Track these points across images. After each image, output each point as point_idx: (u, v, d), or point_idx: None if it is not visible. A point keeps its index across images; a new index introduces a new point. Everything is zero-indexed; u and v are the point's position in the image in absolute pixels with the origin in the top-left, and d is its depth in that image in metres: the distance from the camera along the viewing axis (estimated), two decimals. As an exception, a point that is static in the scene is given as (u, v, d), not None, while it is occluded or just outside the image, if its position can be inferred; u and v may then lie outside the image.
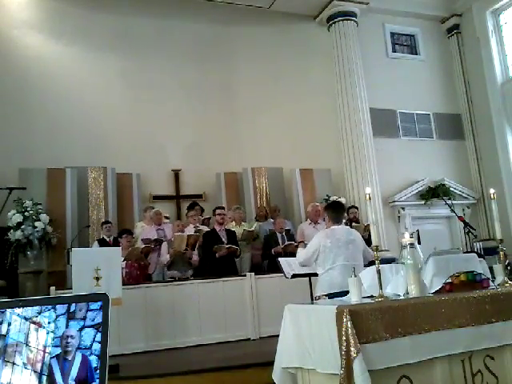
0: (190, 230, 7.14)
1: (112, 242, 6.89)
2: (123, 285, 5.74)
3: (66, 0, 8.93)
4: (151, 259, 6.89)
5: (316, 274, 4.70)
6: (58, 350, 1.51)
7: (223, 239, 6.72)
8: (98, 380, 1.47)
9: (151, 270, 6.91)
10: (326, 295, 4.04)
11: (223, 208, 7.37)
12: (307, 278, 4.90)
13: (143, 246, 6.68)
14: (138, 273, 6.40)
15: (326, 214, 4.54)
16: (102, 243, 6.87)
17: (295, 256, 6.14)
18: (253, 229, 7.57)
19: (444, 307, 2.64)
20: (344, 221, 5.00)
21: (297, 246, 7.00)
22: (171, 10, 9.47)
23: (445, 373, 2.60)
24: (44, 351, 1.51)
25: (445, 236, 10.18)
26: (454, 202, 9.68)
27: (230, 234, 6.89)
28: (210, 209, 8.75)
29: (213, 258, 6.59)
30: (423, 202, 10.06)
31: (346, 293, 3.08)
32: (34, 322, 1.54)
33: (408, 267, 2.79)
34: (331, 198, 8.96)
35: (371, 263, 3.67)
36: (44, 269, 7.12)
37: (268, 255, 7.03)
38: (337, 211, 4.42)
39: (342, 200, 8.76)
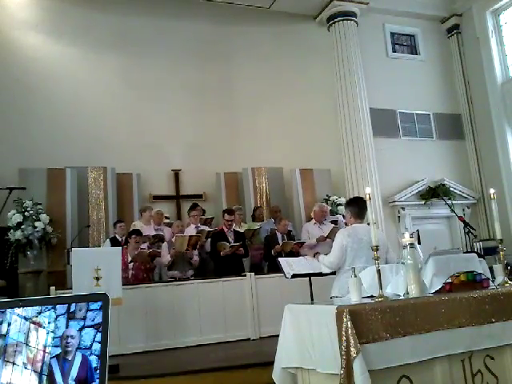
0: (190, 229, 7.14)
1: (124, 242, 6.86)
2: (128, 285, 5.79)
3: (66, 0, 8.93)
4: (155, 260, 6.88)
5: (317, 274, 4.71)
6: (58, 350, 1.51)
7: (230, 239, 6.75)
8: (97, 380, 1.47)
9: (156, 271, 6.91)
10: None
11: (232, 213, 7.08)
12: (307, 278, 4.89)
13: (151, 249, 6.65)
14: (144, 275, 6.40)
15: (347, 210, 4.36)
16: (114, 242, 6.87)
17: (294, 255, 6.16)
18: (255, 228, 7.57)
19: (444, 307, 2.64)
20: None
21: (296, 244, 7.03)
22: (171, 9, 9.47)
23: (445, 373, 2.60)
24: (44, 351, 1.51)
25: (445, 236, 10.18)
26: (453, 202, 9.69)
27: (238, 235, 6.91)
28: (211, 209, 8.76)
29: (220, 258, 6.63)
30: (423, 202, 10.06)
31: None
32: (34, 322, 1.54)
33: (408, 267, 2.79)
34: (331, 198, 8.98)
35: None
36: (44, 269, 7.12)
37: (269, 256, 7.02)
38: (360, 207, 4.20)
39: (342, 200, 8.76)
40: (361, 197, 4.55)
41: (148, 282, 6.40)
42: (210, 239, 6.99)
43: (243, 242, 6.87)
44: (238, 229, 7.26)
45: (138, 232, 6.66)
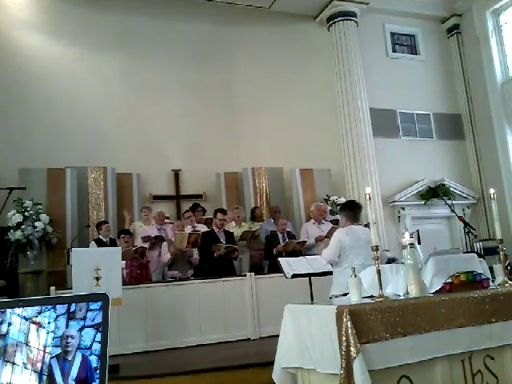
0: (187, 230, 7.13)
1: (109, 243, 6.83)
2: (124, 285, 5.78)
3: (66, 0, 8.93)
4: (152, 258, 6.87)
5: (317, 274, 4.72)
6: (58, 350, 1.51)
7: (221, 240, 6.72)
8: (97, 380, 1.47)
9: (153, 269, 6.90)
10: (343, 294, 3.94)
11: (225, 212, 7.15)
12: (307, 278, 4.89)
13: (139, 246, 6.66)
14: (138, 272, 6.42)
15: (342, 215, 4.51)
16: (100, 244, 6.81)
17: (296, 255, 6.17)
18: (255, 229, 7.56)
19: (444, 307, 2.64)
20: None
21: (298, 243, 7.04)
22: (171, 9, 9.47)
23: (445, 373, 2.60)
24: (44, 351, 1.51)
25: (445, 236, 10.18)
26: (454, 202, 9.68)
27: (229, 235, 6.90)
28: (211, 209, 8.75)
29: (211, 258, 6.60)
30: (423, 202, 10.06)
31: None
32: (34, 322, 1.54)
33: (408, 267, 2.79)
34: (331, 198, 8.98)
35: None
36: (44, 269, 7.13)
37: (270, 255, 7.00)
38: (354, 210, 4.39)
39: (342, 200, 8.76)
40: (353, 200, 4.70)
41: (146, 280, 6.41)
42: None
43: (233, 242, 6.83)
44: (233, 228, 7.25)
45: (126, 231, 6.70)
